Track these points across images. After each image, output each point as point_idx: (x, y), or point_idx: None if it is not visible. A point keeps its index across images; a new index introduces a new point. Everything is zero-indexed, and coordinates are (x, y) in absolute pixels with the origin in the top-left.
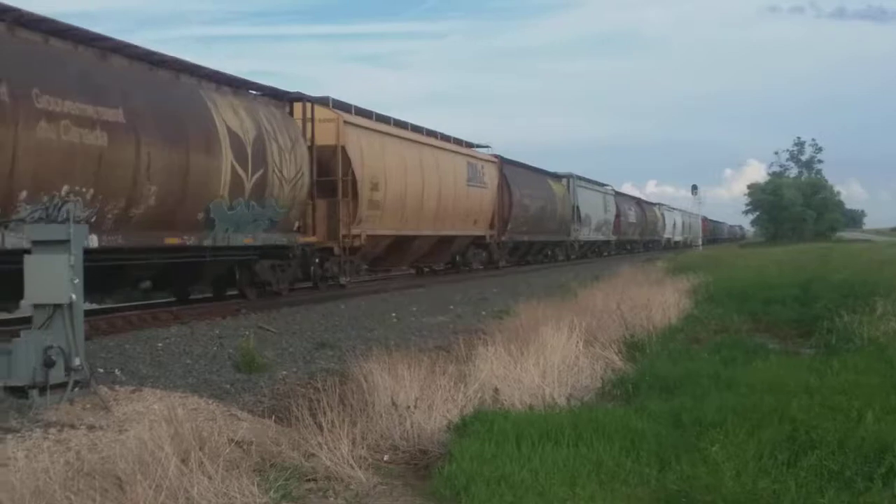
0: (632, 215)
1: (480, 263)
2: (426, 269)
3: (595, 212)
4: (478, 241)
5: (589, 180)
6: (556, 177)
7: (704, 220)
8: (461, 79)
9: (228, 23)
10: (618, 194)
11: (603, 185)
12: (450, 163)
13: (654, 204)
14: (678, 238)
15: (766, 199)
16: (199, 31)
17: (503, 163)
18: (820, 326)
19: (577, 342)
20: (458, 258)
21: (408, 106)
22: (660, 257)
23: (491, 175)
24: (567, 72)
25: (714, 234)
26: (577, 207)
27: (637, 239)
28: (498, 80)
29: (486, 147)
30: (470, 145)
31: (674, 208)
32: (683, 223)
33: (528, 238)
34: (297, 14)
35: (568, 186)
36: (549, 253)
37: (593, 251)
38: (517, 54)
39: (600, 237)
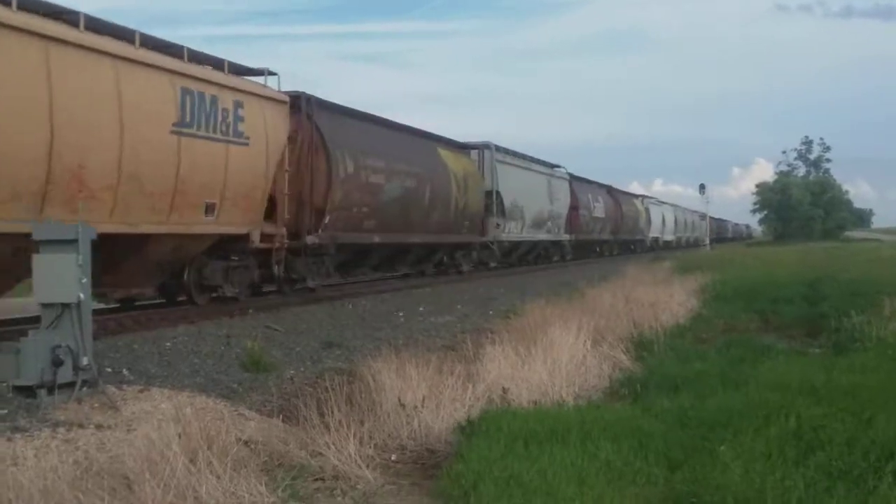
0: (598, 208)
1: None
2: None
3: (533, 201)
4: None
5: (524, 156)
6: (459, 147)
7: (703, 218)
8: (467, 78)
9: (235, 23)
10: (576, 179)
11: (553, 165)
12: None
13: (636, 195)
14: (669, 237)
15: (773, 199)
16: (205, 31)
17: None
18: (828, 326)
19: (585, 341)
20: None
21: (412, 105)
22: (644, 259)
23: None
24: (573, 70)
25: (718, 232)
26: (499, 193)
27: (607, 239)
28: (504, 79)
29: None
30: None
31: (663, 202)
32: (677, 220)
33: (380, 239)
34: (302, 13)
35: (480, 163)
36: (445, 260)
37: (537, 255)
38: (523, 54)
39: (542, 236)
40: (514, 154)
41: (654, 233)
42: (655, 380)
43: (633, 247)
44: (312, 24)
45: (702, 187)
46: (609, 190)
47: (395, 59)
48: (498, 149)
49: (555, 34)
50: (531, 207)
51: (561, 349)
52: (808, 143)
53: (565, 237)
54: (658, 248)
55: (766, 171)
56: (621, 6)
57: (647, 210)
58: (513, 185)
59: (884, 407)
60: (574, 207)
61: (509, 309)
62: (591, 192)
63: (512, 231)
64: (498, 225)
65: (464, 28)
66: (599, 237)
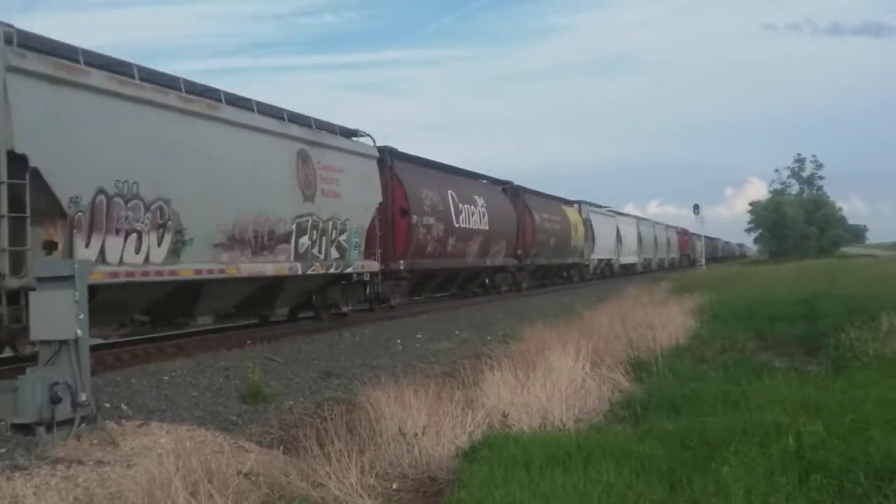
0: (478, 214)
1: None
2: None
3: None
4: None
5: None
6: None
7: (684, 234)
8: (462, 104)
9: (230, 55)
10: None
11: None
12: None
13: (570, 201)
14: (630, 259)
15: (768, 217)
16: (202, 65)
17: None
18: (826, 343)
19: (584, 364)
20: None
21: (411, 133)
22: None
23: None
24: (565, 95)
25: (710, 252)
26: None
27: (507, 265)
28: (496, 105)
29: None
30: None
31: (618, 213)
32: (642, 237)
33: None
34: (297, 45)
35: None
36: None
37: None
38: (515, 79)
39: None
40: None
41: (600, 254)
42: (655, 401)
43: (565, 273)
44: (307, 56)
45: (696, 207)
46: (509, 189)
47: (390, 87)
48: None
49: (545, 59)
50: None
51: (560, 373)
52: (800, 160)
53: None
54: (611, 275)
55: (759, 190)
56: (610, 30)
57: (586, 222)
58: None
59: (883, 424)
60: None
61: (507, 333)
62: (474, 190)
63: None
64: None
65: (456, 55)
66: (490, 262)
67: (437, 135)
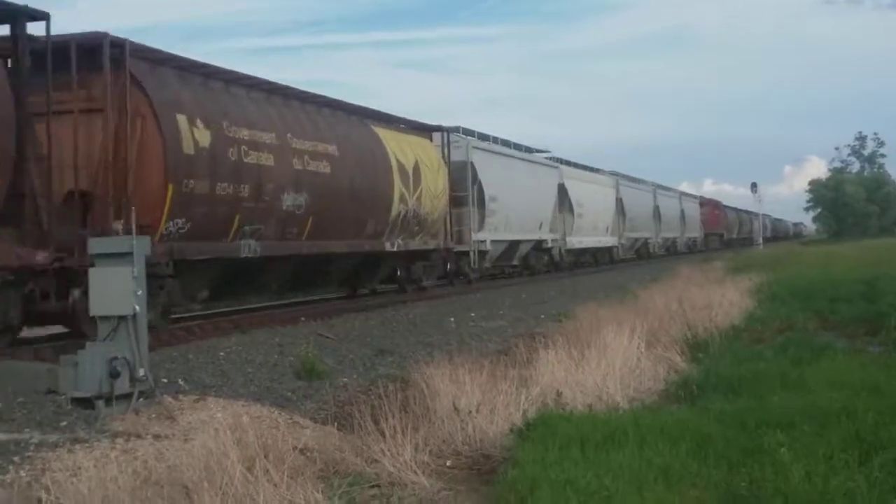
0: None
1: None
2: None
3: None
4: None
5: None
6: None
7: (714, 207)
8: (513, 83)
9: (283, 33)
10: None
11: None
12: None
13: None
14: (604, 242)
15: (827, 196)
16: (254, 43)
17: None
18: (888, 324)
19: (639, 344)
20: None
21: (462, 110)
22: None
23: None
24: (619, 72)
25: (740, 231)
26: None
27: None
28: (551, 82)
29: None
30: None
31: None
32: (624, 205)
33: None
34: (349, 22)
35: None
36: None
37: None
38: (570, 57)
39: None
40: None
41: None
42: (712, 381)
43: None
44: (356, 34)
45: (753, 186)
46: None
47: (445, 65)
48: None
49: (600, 37)
50: None
51: (615, 352)
52: (861, 138)
53: None
54: (557, 269)
55: (819, 169)
56: (665, 6)
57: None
58: None
59: None
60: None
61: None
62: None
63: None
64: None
65: (510, 32)
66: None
67: (491, 113)
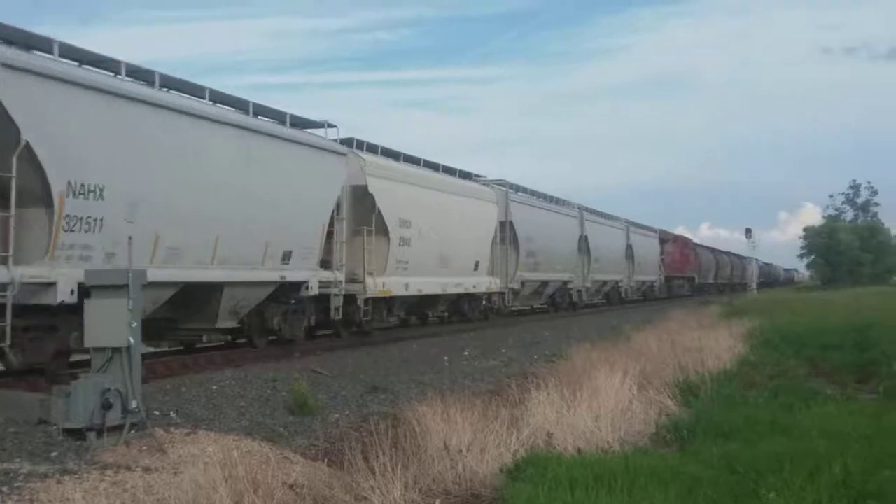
0: None
1: None
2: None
3: None
4: None
5: None
6: None
7: (683, 246)
8: (515, 123)
9: (284, 71)
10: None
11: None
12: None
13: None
14: (490, 287)
15: (821, 243)
16: (258, 80)
17: None
18: (879, 372)
19: (631, 386)
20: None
21: (468, 150)
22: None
23: None
24: (618, 114)
25: (718, 274)
26: None
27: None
28: (549, 123)
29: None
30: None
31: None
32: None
33: None
34: (352, 61)
35: None
36: None
37: None
38: (568, 98)
39: None
40: None
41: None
42: (703, 426)
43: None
44: (362, 72)
45: (748, 231)
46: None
47: (445, 105)
48: None
49: (599, 79)
50: None
51: (606, 394)
52: (855, 186)
53: None
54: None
55: (813, 216)
56: (664, 52)
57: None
58: None
59: None
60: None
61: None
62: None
63: None
64: None
65: (510, 73)
66: None
67: (493, 153)
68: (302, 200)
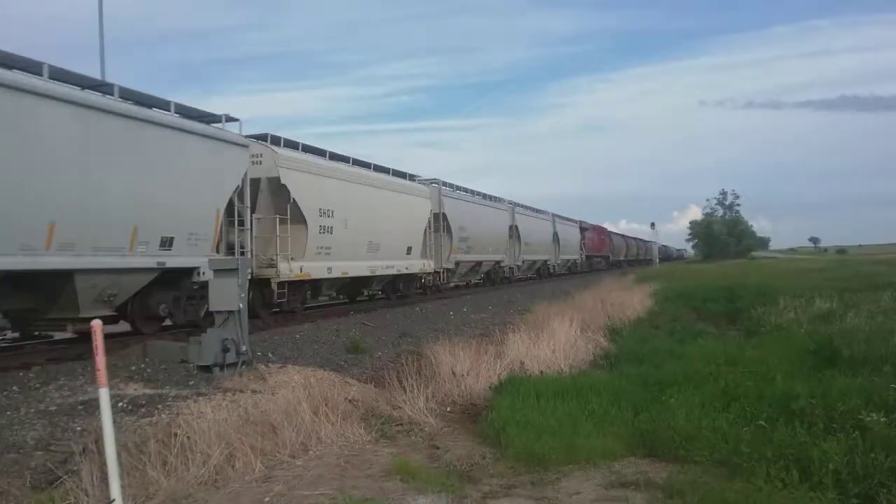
0: None
1: None
2: None
3: None
4: None
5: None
6: None
7: (602, 233)
8: (494, 156)
9: (338, 123)
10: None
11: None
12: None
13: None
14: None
15: (701, 231)
16: (320, 130)
17: None
18: (742, 316)
19: (576, 329)
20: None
21: (458, 174)
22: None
23: None
24: (563, 148)
25: (616, 253)
26: None
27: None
28: (514, 156)
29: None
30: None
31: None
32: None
33: None
34: (384, 116)
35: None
36: None
37: None
38: (532, 138)
39: None
40: None
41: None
42: (624, 355)
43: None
44: (389, 123)
45: (652, 225)
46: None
47: (444, 144)
48: None
49: (548, 126)
50: None
51: (559, 335)
52: (724, 193)
53: None
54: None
55: (696, 213)
56: (590, 105)
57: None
58: None
59: (780, 370)
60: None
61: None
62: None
63: None
64: None
65: (487, 123)
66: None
67: (474, 175)
68: (184, 187)
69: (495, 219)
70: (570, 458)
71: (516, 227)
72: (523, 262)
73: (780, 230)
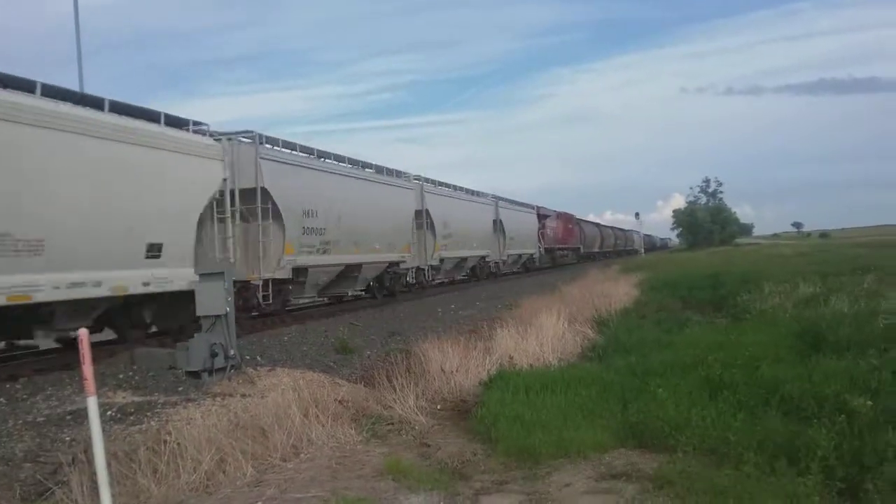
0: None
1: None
2: None
3: None
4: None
5: None
6: None
7: (570, 221)
8: (476, 150)
9: (321, 122)
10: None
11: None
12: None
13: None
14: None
15: (685, 219)
16: (302, 129)
17: None
18: (727, 303)
19: (563, 322)
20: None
21: (439, 170)
22: None
23: None
24: (548, 139)
25: (602, 244)
26: None
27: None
28: (499, 148)
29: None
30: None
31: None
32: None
33: None
34: (367, 114)
35: None
36: None
37: None
38: (513, 130)
39: None
40: None
41: None
42: (612, 346)
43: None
44: (373, 121)
45: (637, 215)
46: None
47: (428, 140)
48: None
49: (532, 117)
50: None
51: (547, 328)
52: (707, 181)
53: None
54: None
55: (679, 202)
56: (576, 95)
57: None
58: None
59: (765, 358)
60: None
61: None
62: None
63: None
64: None
65: (475, 116)
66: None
67: (458, 171)
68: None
69: (479, 213)
70: (560, 452)
71: (501, 221)
72: (508, 256)
73: (763, 216)
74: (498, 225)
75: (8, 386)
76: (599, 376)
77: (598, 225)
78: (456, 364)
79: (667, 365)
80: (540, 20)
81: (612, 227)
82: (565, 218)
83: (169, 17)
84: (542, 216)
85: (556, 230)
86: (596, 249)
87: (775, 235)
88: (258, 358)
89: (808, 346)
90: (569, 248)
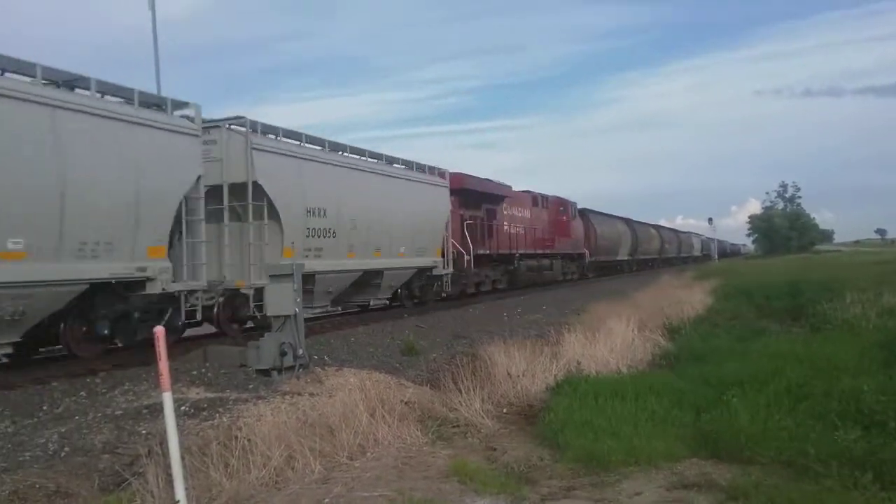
0: None
1: None
2: None
3: None
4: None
5: None
6: None
7: (562, 204)
8: (543, 154)
9: (387, 127)
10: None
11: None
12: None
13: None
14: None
15: (762, 226)
16: (371, 134)
17: None
18: (807, 312)
19: (633, 328)
20: None
21: (507, 174)
22: None
23: None
24: (618, 143)
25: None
26: None
27: None
28: (570, 153)
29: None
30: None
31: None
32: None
33: None
34: (432, 118)
35: None
36: None
37: None
38: (583, 135)
39: None
40: None
41: None
42: (684, 354)
43: None
44: (440, 126)
45: (710, 220)
46: None
47: (496, 145)
48: None
49: (603, 121)
50: None
51: (616, 334)
52: (784, 185)
53: None
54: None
55: (755, 207)
56: (646, 98)
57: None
58: None
59: (847, 369)
60: None
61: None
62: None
63: None
64: None
65: (541, 121)
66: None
67: (525, 175)
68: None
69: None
70: (630, 460)
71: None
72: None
73: (844, 222)
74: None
75: (88, 380)
76: (672, 385)
77: (627, 220)
78: (522, 368)
79: (742, 374)
80: (603, 24)
81: (654, 226)
82: (558, 202)
83: (238, 28)
84: (475, 195)
85: (553, 222)
86: (623, 257)
87: (857, 242)
88: (325, 358)
89: (893, 358)
90: (551, 256)
